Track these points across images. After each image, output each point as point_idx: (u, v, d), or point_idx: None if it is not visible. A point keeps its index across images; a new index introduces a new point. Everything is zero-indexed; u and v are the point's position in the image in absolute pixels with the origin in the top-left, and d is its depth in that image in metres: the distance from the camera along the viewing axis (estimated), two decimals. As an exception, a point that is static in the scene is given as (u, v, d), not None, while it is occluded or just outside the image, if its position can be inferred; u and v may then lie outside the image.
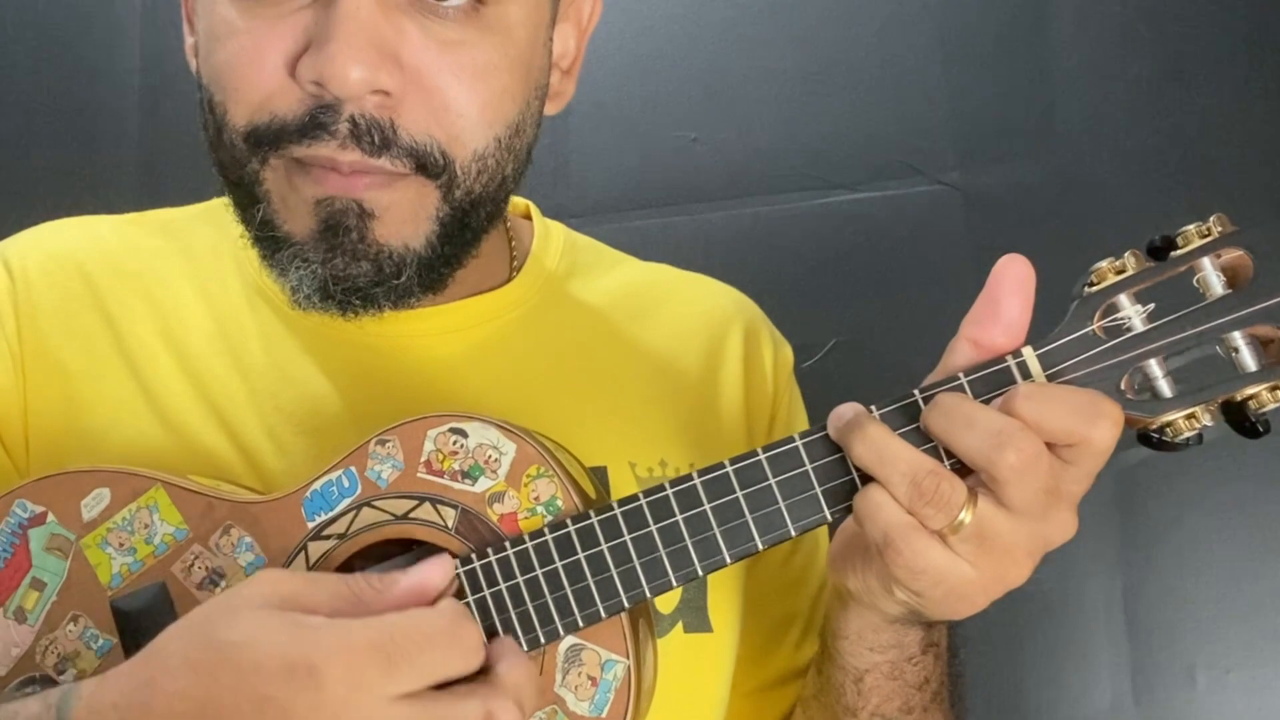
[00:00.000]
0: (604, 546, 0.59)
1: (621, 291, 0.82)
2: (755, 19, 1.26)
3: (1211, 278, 0.57)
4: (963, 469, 0.57)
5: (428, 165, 0.64)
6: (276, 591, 0.53)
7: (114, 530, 0.63)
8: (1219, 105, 1.15)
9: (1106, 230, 1.15)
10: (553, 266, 0.80)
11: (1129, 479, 1.13)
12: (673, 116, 1.27)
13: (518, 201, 0.82)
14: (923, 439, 0.57)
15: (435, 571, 0.56)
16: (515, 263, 0.79)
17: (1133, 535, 1.14)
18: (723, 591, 0.74)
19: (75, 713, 0.52)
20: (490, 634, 0.60)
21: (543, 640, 0.60)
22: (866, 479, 0.58)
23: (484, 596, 0.60)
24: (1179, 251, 0.57)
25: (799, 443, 0.59)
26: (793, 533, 0.59)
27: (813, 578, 0.81)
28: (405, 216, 0.65)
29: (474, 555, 0.60)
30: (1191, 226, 0.57)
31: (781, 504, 0.59)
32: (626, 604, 0.59)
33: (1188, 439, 0.58)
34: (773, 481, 0.59)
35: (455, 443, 0.62)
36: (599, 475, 0.72)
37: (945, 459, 0.57)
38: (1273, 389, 0.56)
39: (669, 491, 0.60)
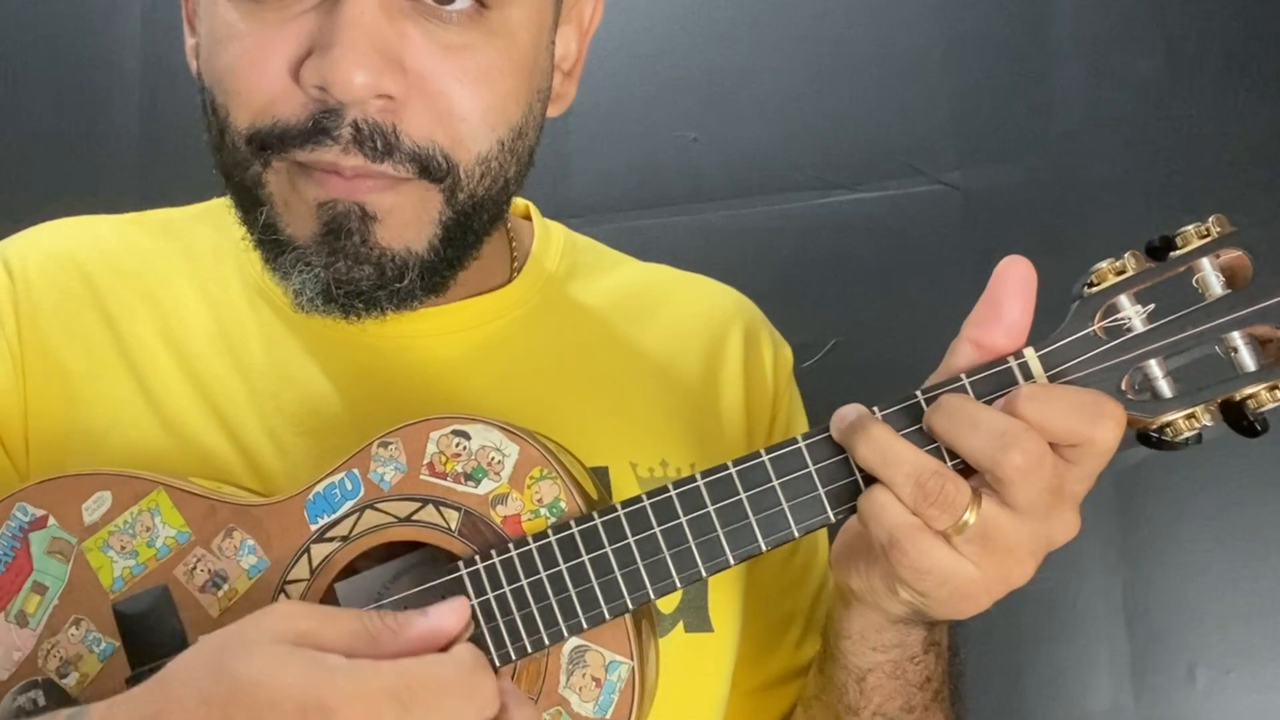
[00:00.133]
0: (608, 548, 0.59)
1: (622, 292, 0.82)
2: (755, 19, 1.26)
3: (1211, 278, 0.57)
4: (965, 469, 0.57)
5: (431, 169, 0.64)
6: (293, 627, 0.53)
7: (116, 533, 0.62)
8: (1219, 105, 1.15)
9: (1107, 230, 1.15)
10: (553, 267, 0.80)
11: (1129, 479, 1.13)
12: (673, 116, 1.27)
13: (518, 202, 0.82)
14: (925, 440, 0.58)
15: (451, 615, 0.56)
16: (516, 263, 0.79)
17: (1133, 535, 1.14)
18: (723, 591, 0.74)
19: None
20: (495, 636, 0.60)
21: (547, 642, 0.60)
22: (870, 480, 0.58)
23: (488, 599, 0.60)
24: (1178, 252, 0.58)
25: (802, 444, 0.59)
26: (796, 534, 0.59)
27: (813, 577, 0.81)
28: (408, 220, 0.65)
29: (478, 557, 0.60)
30: (1190, 227, 0.58)
31: (785, 505, 0.59)
32: (630, 606, 0.59)
33: (1187, 439, 0.58)
34: (776, 483, 0.59)
35: (458, 445, 0.62)
36: (600, 475, 0.72)
37: (948, 460, 0.57)
38: (1271, 388, 0.56)
39: (672, 493, 0.60)
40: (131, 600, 0.62)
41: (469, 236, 0.68)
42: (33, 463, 0.70)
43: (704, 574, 0.59)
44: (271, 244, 0.66)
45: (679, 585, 0.59)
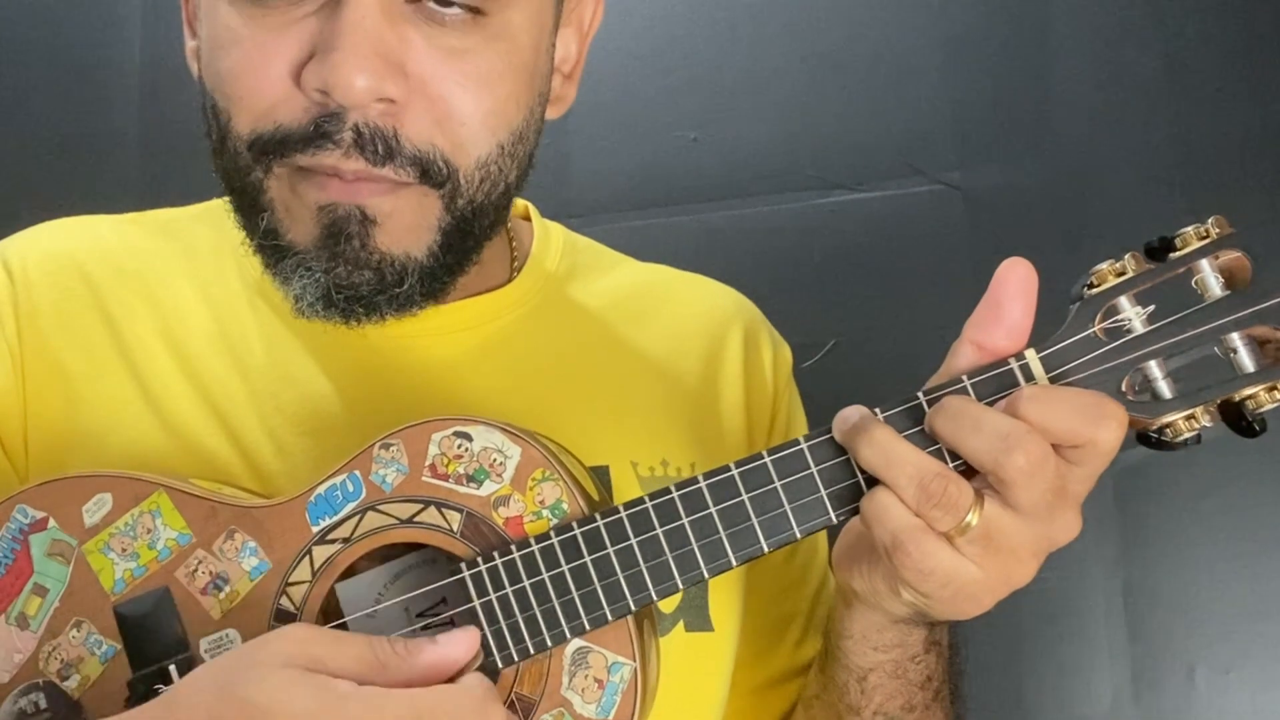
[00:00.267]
0: (610, 550, 0.59)
1: (621, 293, 0.82)
2: (755, 19, 1.26)
3: (1210, 279, 0.57)
4: (966, 471, 0.57)
5: (431, 174, 0.64)
6: (304, 651, 0.53)
7: (116, 535, 0.62)
8: (1219, 105, 1.15)
9: (1106, 230, 1.15)
10: (553, 268, 0.80)
11: (1129, 479, 1.13)
12: (673, 116, 1.27)
13: (517, 202, 0.82)
14: (927, 441, 0.58)
15: (462, 644, 0.56)
16: (515, 264, 0.79)
17: (1133, 535, 1.14)
18: (724, 591, 0.74)
19: None
20: (497, 638, 0.60)
21: (549, 644, 0.60)
22: (871, 481, 0.58)
23: (490, 600, 0.60)
24: (1178, 253, 0.58)
25: (804, 445, 0.59)
26: (798, 535, 0.59)
27: (813, 577, 0.82)
28: (407, 225, 0.65)
29: (480, 559, 0.60)
30: (1190, 228, 0.58)
31: (787, 507, 0.59)
32: (633, 607, 0.59)
33: (1187, 439, 0.58)
34: (778, 484, 0.59)
35: (460, 446, 0.62)
36: (601, 475, 0.72)
37: (949, 461, 0.57)
38: (1270, 389, 0.57)
39: (675, 494, 0.60)
40: (133, 602, 0.62)
41: (469, 241, 0.68)
42: (32, 464, 0.70)
43: (706, 575, 0.59)
44: (272, 249, 0.66)
45: (681, 586, 0.60)
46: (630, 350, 0.79)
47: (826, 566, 0.82)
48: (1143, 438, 0.59)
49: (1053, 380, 0.58)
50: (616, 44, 1.26)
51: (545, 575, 0.60)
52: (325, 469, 0.63)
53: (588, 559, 0.59)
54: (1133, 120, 1.17)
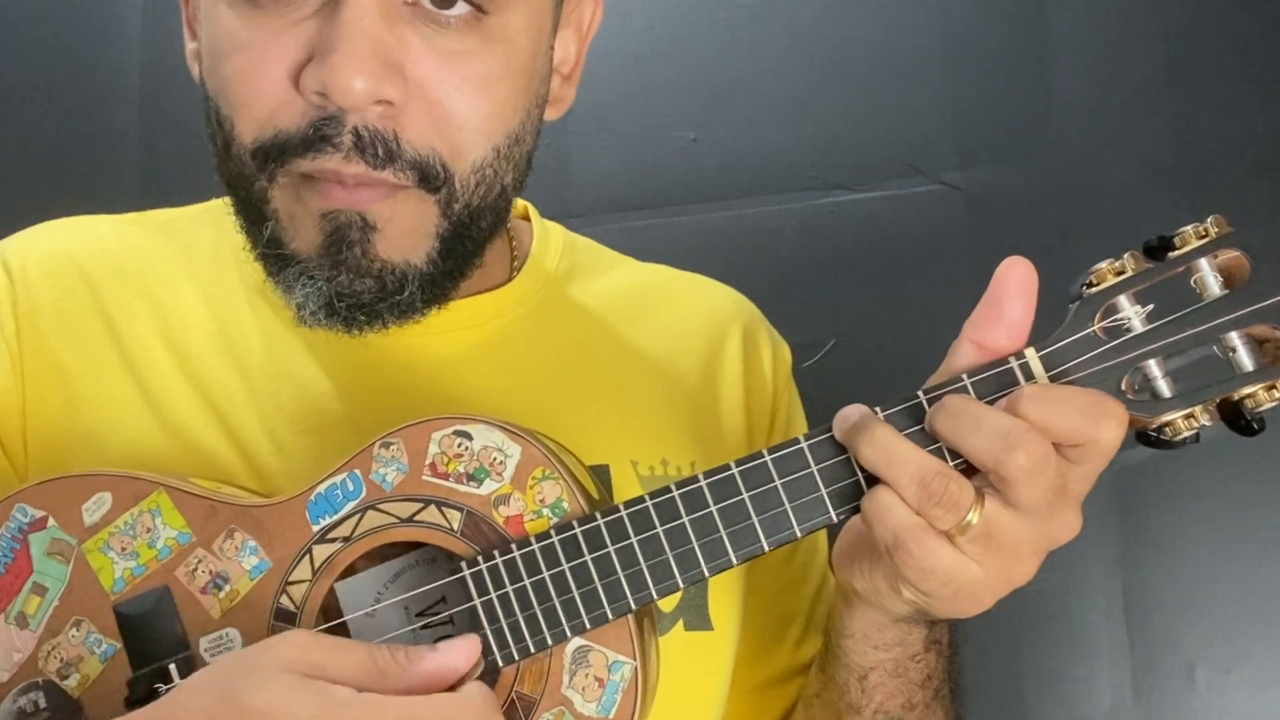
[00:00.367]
0: (610, 549, 0.60)
1: (621, 293, 0.82)
2: (755, 19, 1.26)
3: (1209, 278, 0.57)
4: (966, 469, 0.57)
5: (429, 178, 0.64)
6: (304, 657, 0.53)
7: (116, 534, 0.62)
8: (1219, 105, 1.15)
9: (1106, 230, 1.15)
10: (552, 267, 0.80)
11: (1129, 479, 1.13)
12: (673, 116, 1.27)
13: (516, 203, 0.82)
14: (927, 440, 0.58)
15: (462, 653, 0.56)
16: (515, 264, 0.79)
17: (1133, 535, 1.14)
18: (723, 590, 0.74)
19: None
20: (498, 637, 0.60)
21: (550, 642, 0.60)
22: (872, 480, 0.58)
23: (490, 599, 0.60)
24: (1177, 252, 0.58)
25: (804, 444, 0.59)
26: (798, 534, 0.59)
27: (813, 576, 0.82)
28: (406, 230, 0.65)
29: (480, 558, 0.60)
30: (1189, 228, 0.58)
31: (787, 505, 0.59)
32: (633, 606, 0.59)
33: (1186, 438, 0.58)
34: (778, 483, 0.59)
35: (460, 445, 0.62)
36: (601, 474, 0.72)
37: (949, 460, 0.57)
38: (1269, 388, 0.57)
39: (675, 493, 0.60)
40: (133, 601, 0.62)
41: (468, 245, 0.68)
42: (32, 464, 0.70)
43: (707, 574, 0.60)
44: (276, 258, 0.66)
45: (682, 585, 0.60)
46: (630, 350, 0.79)
47: (826, 566, 0.82)
48: (1142, 436, 0.59)
49: (1052, 379, 0.58)
50: (616, 44, 1.26)
51: (545, 574, 0.60)
52: (325, 468, 0.63)
53: (588, 558, 0.59)
54: (1133, 120, 1.17)
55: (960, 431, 0.56)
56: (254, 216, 0.66)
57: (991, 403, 0.57)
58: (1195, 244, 0.57)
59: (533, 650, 0.60)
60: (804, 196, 1.24)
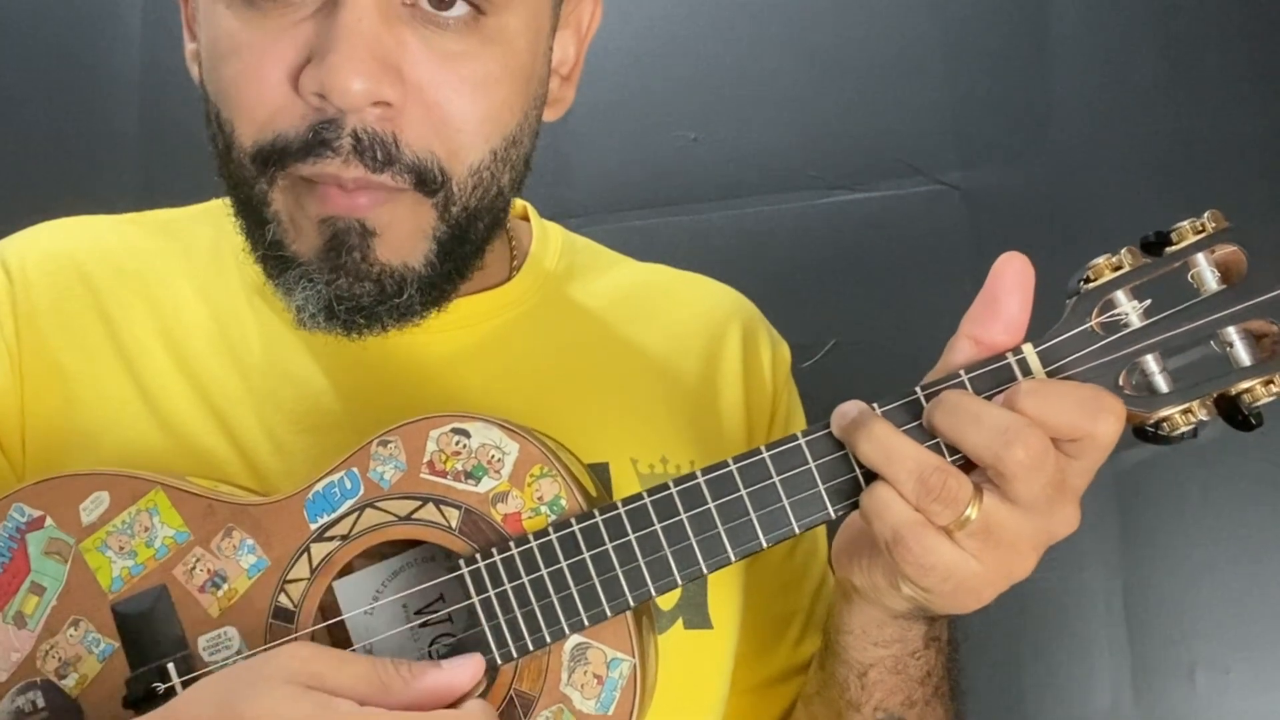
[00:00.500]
0: (609, 546, 0.59)
1: (620, 292, 0.82)
2: (755, 19, 1.26)
3: (1206, 273, 0.57)
4: (965, 465, 0.57)
5: (426, 181, 0.64)
6: (305, 669, 0.53)
7: (114, 533, 0.62)
8: (1219, 105, 1.15)
9: (1106, 230, 1.14)
10: (551, 267, 0.80)
11: (1129, 479, 1.13)
12: (673, 116, 1.27)
13: (516, 203, 0.82)
14: (925, 436, 0.58)
15: (466, 671, 0.56)
16: (514, 263, 0.79)
17: (1133, 535, 1.14)
18: (723, 588, 0.74)
19: None
20: (496, 634, 0.60)
21: (548, 640, 0.60)
22: (870, 476, 0.58)
23: (488, 596, 0.60)
24: (1174, 247, 0.58)
25: (802, 440, 0.59)
26: (797, 530, 0.59)
27: (812, 574, 0.82)
28: (405, 234, 0.65)
29: (478, 555, 0.60)
30: (1186, 223, 0.58)
31: (785, 502, 0.59)
32: (632, 603, 0.59)
33: (1183, 433, 0.59)
34: (776, 480, 0.59)
35: (458, 443, 0.62)
36: (600, 472, 0.72)
37: (947, 456, 0.57)
38: (1266, 383, 0.57)
39: (673, 490, 0.60)
40: (131, 600, 0.62)
41: (466, 247, 0.68)
42: (30, 463, 0.70)
43: (705, 571, 0.59)
44: (276, 260, 0.66)
45: (680, 582, 0.60)
46: (629, 348, 0.79)
47: (826, 564, 0.82)
48: (1139, 432, 0.59)
49: (1050, 374, 0.58)
50: (616, 44, 1.26)
51: (544, 571, 0.60)
52: (323, 466, 0.63)
53: (586, 555, 0.59)
54: (1133, 120, 1.17)
55: (958, 427, 0.56)
56: (255, 219, 0.66)
57: (989, 398, 0.57)
58: (1192, 239, 0.58)
59: (531, 648, 0.60)
60: (804, 196, 1.24)
